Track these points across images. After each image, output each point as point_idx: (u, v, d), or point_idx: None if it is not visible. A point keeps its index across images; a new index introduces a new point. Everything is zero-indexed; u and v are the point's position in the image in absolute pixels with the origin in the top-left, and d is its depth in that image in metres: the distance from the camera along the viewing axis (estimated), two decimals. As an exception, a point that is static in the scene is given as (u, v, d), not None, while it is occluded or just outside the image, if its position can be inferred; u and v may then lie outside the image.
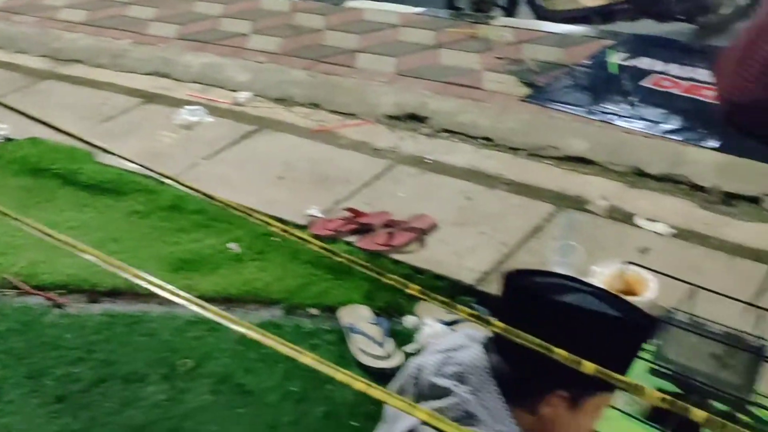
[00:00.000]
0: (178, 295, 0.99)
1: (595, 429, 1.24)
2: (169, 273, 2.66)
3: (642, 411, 1.73)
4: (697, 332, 1.73)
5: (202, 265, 2.75)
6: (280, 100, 3.93)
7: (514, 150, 3.32)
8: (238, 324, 0.95)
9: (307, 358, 0.95)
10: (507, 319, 1.17)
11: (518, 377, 1.16)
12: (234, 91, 4.03)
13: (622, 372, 1.20)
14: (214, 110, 3.83)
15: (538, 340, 0.96)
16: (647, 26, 4.70)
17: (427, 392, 1.24)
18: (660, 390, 1.75)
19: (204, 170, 3.35)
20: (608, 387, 1.19)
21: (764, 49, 3.06)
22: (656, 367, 1.78)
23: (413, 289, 1.10)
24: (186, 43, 4.70)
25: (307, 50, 4.48)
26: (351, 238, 2.82)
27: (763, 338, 1.72)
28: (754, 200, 2.84)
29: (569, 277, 1.27)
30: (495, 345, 1.22)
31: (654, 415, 1.71)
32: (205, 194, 1.30)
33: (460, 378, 1.21)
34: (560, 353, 0.95)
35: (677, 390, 1.76)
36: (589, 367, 0.94)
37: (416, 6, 4.98)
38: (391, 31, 4.68)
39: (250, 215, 1.24)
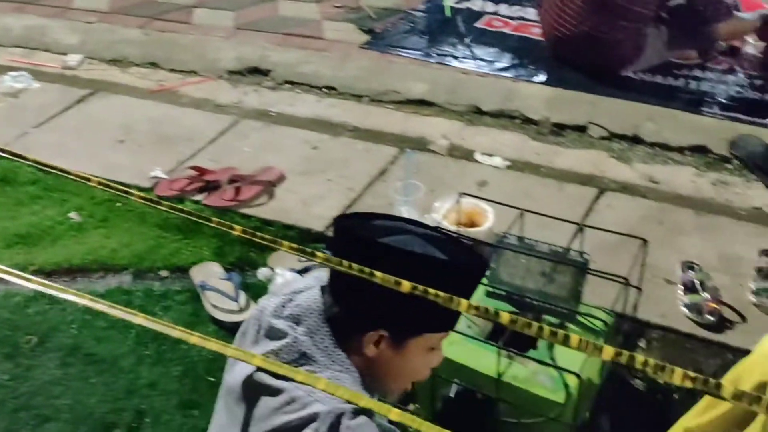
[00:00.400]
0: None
1: (426, 368, 1.26)
2: (3, 249, 2.52)
3: (481, 332, 1.84)
4: (526, 253, 1.85)
5: (41, 238, 2.62)
6: (114, 62, 3.76)
7: (357, 97, 3.36)
8: (66, 292, 0.93)
9: (140, 319, 0.95)
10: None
11: (345, 318, 1.20)
12: (63, 54, 3.81)
13: (455, 314, 1.24)
14: (41, 75, 3.61)
15: (357, 266, 0.99)
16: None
17: (265, 334, 1.27)
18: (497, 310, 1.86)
19: (36, 139, 3.17)
20: (434, 327, 1.22)
21: (582, -15, 3.25)
22: (492, 290, 1.89)
23: (237, 230, 1.10)
24: (3, 5, 4.37)
25: (140, 8, 4.30)
26: (198, 197, 2.78)
27: (584, 253, 1.87)
28: (580, 129, 3.03)
29: (402, 219, 1.30)
30: (328, 286, 1.25)
31: (492, 335, 1.82)
32: (38, 163, 1.24)
33: (296, 319, 1.23)
34: (379, 276, 0.98)
35: (513, 309, 1.88)
36: (405, 286, 0.99)
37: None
38: (226, -16, 4.56)
39: (70, 177, 1.19)
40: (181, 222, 2.62)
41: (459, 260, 1.19)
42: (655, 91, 3.26)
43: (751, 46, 3.51)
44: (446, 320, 1.23)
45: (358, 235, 1.19)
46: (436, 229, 1.29)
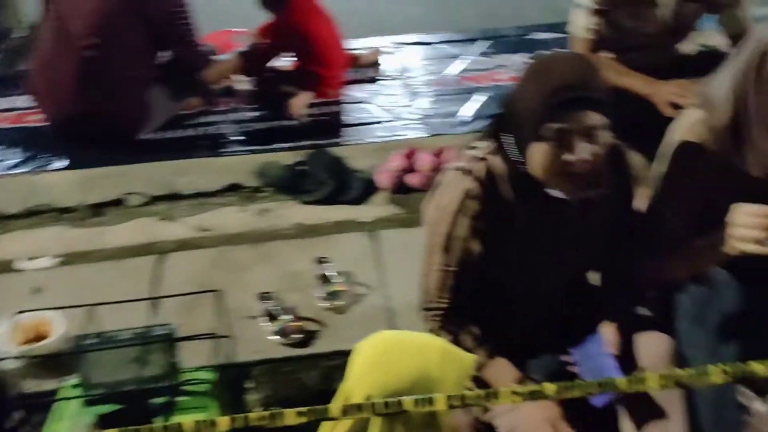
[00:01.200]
0: None
1: None
2: None
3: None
4: (109, 347, 1.77)
5: None
6: None
7: None
8: None
9: None
10: None
11: None
12: None
13: None
14: None
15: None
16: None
17: None
18: (103, 414, 1.76)
19: None
20: None
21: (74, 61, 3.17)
22: (89, 397, 1.78)
23: None
24: None
25: None
26: None
27: (167, 324, 1.86)
28: (118, 202, 2.99)
29: None
30: None
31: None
32: None
33: None
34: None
35: (119, 407, 1.80)
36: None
37: None
38: None
39: None
40: None
41: None
42: (176, 146, 3.36)
43: (241, 82, 3.82)
44: None
45: None
46: None
